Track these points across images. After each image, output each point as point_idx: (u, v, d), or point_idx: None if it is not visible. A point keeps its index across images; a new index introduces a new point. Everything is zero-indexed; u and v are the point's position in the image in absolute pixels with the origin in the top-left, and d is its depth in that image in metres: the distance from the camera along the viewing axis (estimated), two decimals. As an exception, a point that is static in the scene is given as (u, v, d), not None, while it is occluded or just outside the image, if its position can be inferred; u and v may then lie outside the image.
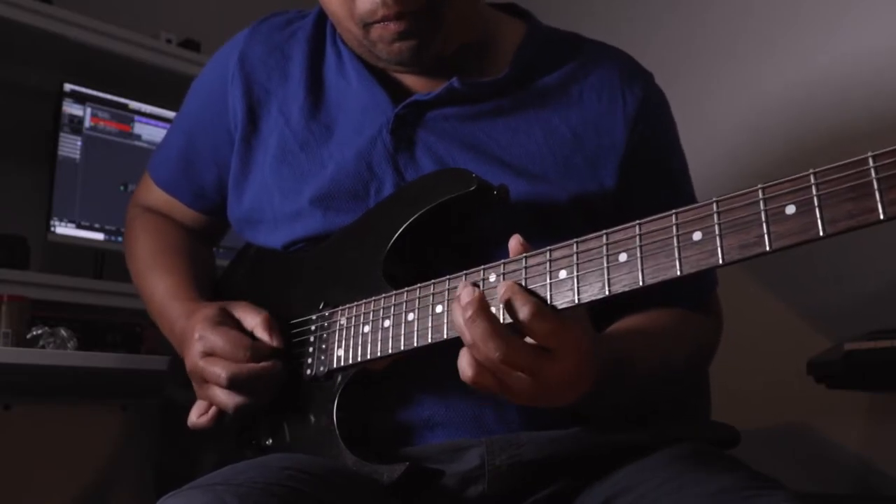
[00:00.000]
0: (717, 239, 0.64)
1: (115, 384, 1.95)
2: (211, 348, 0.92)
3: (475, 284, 0.75)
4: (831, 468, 1.84)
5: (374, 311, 0.88)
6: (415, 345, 0.83)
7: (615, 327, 0.92)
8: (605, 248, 0.71)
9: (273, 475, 0.77)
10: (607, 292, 0.70)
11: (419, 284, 0.84)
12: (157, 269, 1.12)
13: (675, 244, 0.66)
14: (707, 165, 1.64)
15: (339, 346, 0.91)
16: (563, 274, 0.73)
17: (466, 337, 0.71)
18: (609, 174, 0.97)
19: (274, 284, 1.04)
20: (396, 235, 0.91)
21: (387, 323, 0.86)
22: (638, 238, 0.69)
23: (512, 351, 0.70)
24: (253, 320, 0.95)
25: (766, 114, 2.03)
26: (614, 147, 0.98)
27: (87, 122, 2.15)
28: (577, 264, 0.72)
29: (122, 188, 2.19)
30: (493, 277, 0.77)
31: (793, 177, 0.61)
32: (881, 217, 0.56)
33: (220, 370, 0.90)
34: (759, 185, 0.62)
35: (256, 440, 0.98)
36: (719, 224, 0.64)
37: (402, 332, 0.84)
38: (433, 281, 0.83)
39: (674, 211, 0.67)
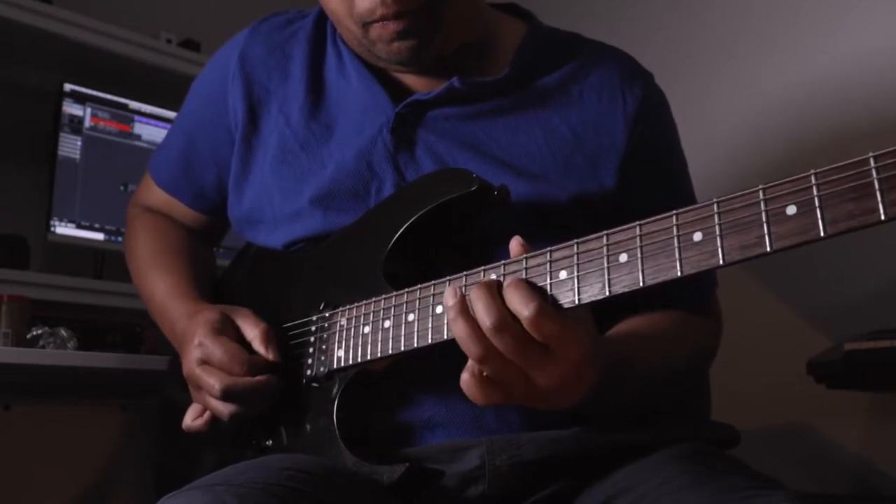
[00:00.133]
0: (718, 239, 0.64)
1: (115, 384, 1.95)
2: (208, 357, 0.92)
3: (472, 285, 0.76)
4: (831, 468, 1.84)
5: (374, 311, 0.88)
6: (415, 345, 0.83)
7: (615, 330, 0.92)
8: (605, 248, 0.71)
9: (273, 475, 0.77)
10: (607, 293, 0.70)
11: (419, 285, 0.84)
12: (158, 269, 1.12)
13: (676, 245, 0.66)
14: (707, 166, 1.64)
15: (340, 347, 0.91)
16: (563, 274, 0.73)
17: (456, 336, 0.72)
18: (609, 174, 0.97)
19: (274, 284, 1.04)
20: (397, 236, 0.91)
21: (387, 323, 0.86)
22: (638, 238, 0.69)
23: (495, 352, 0.71)
24: (252, 332, 0.95)
25: (767, 114, 2.03)
26: (614, 147, 0.98)
27: (87, 122, 2.15)
28: (578, 265, 0.72)
29: (122, 188, 2.19)
30: (493, 277, 0.77)
31: (793, 177, 0.61)
32: (882, 217, 0.56)
33: (214, 381, 0.90)
34: (760, 186, 0.62)
35: (256, 441, 0.98)
36: (720, 224, 0.64)
37: (403, 332, 0.84)
38: (433, 282, 0.83)
39: (674, 211, 0.67)
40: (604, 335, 0.89)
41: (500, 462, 0.86)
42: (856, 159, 0.58)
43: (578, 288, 0.71)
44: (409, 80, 1.03)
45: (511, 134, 0.98)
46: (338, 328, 0.92)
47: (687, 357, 0.98)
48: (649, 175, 1.00)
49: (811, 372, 1.51)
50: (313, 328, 0.95)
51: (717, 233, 0.64)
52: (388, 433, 0.91)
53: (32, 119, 2.19)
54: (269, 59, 1.07)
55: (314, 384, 0.94)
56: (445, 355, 0.78)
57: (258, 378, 0.91)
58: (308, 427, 0.93)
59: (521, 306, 0.70)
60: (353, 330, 0.90)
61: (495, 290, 0.72)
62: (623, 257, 0.69)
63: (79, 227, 2.11)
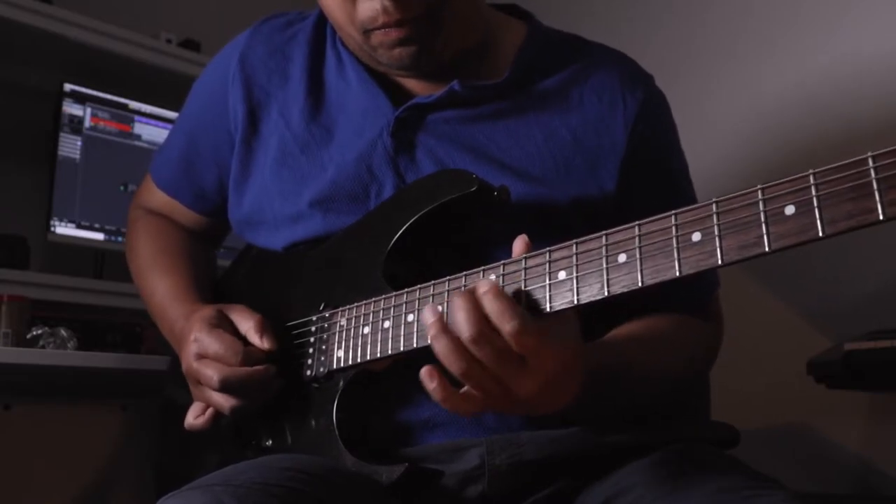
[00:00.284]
0: (717, 240, 0.64)
1: (115, 384, 1.96)
2: (205, 351, 0.92)
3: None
4: (831, 468, 1.84)
5: (373, 312, 0.88)
6: (414, 346, 0.83)
7: (614, 333, 0.92)
8: (604, 248, 0.71)
9: (273, 475, 0.77)
10: (606, 293, 0.70)
11: (419, 286, 0.84)
12: (157, 271, 1.12)
13: (675, 245, 0.66)
14: (707, 166, 1.64)
15: (339, 347, 0.91)
16: (562, 275, 0.73)
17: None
18: (609, 175, 0.97)
19: (274, 285, 1.04)
20: (397, 236, 0.91)
21: (386, 324, 0.86)
22: (637, 239, 0.69)
23: (476, 365, 0.71)
24: (246, 324, 0.95)
25: (766, 114, 2.03)
26: (615, 148, 0.98)
27: (87, 122, 2.15)
28: (577, 265, 0.72)
29: (122, 188, 2.19)
30: (492, 278, 0.77)
31: (792, 177, 0.61)
32: (881, 217, 0.56)
33: (212, 373, 0.90)
34: (759, 186, 0.62)
35: (256, 441, 0.98)
36: (719, 225, 0.64)
37: (402, 332, 0.84)
38: (433, 282, 0.83)
39: (673, 212, 0.67)
40: (601, 339, 0.89)
41: (499, 462, 0.86)
42: (854, 159, 0.58)
43: (577, 288, 0.71)
44: (409, 83, 1.03)
45: (511, 137, 0.98)
46: (337, 328, 0.92)
47: (686, 359, 0.98)
48: (650, 176, 1.00)
49: (811, 372, 1.51)
50: (313, 328, 0.96)
51: (716, 233, 0.64)
52: (387, 433, 0.91)
53: (32, 119, 2.19)
54: (270, 60, 1.07)
55: (314, 384, 0.94)
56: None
57: (255, 368, 0.91)
58: (308, 427, 0.93)
59: (502, 321, 0.70)
60: (352, 330, 0.90)
61: (474, 301, 0.71)
62: (622, 257, 0.69)
63: (79, 227, 2.11)
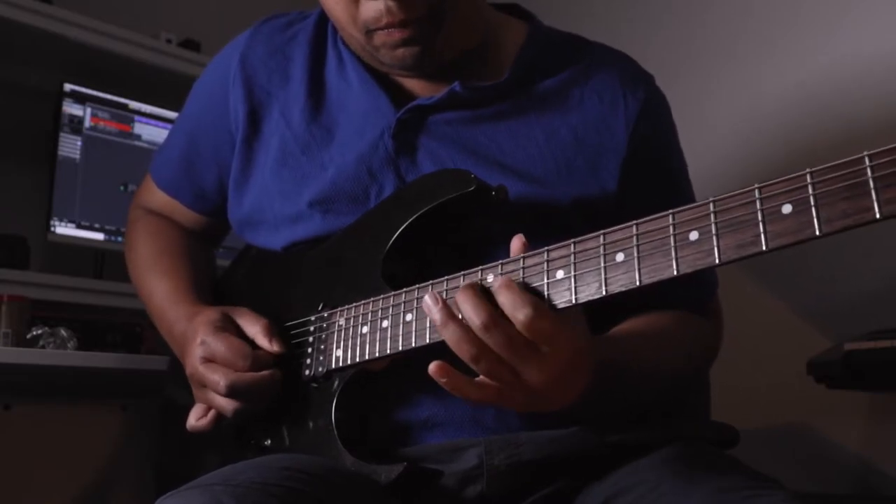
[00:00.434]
0: (714, 238, 0.64)
1: (115, 384, 1.96)
2: (212, 354, 0.92)
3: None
4: (831, 468, 1.84)
5: (372, 311, 0.88)
6: (413, 345, 0.83)
7: (614, 330, 0.92)
8: (602, 247, 0.71)
9: (272, 475, 0.77)
10: (604, 292, 0.70)
11: (417, 285, 0.84)
12: (156, 271, 1.12)
13: (672, 244, 0.66)
14: (707, 166, 1.64)
15: (338, 347, 0.91)
16: (560, 274, 0.73)
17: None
18: (611, 175, 0.97)
19: (274, 285, 1.04)
20: (395, 236, 0.91)
21: (385, 323, 0.86)
22: (635, 238, 0.69)
23: (487, 350, 0.72)
24: (253, 328, 0.95)
25: (766, 115, 2.03)
26: (616, 149, 0.98)
27: (87, 122, 2.15)
28: (575, 264, 0.72)
29: (122, 188, 2.19)
30: (490, 278, 0.77)
31: (789, 176, 0.61)
32: (877, 216, 0.57)
33: (219, 378, 0.90)
34: (756, 185, 0.62)
35: (256, 440, 0.98)
36: (716, 224, 0.64)
37: (401, 332, 0.84)
38: (431, 282, 0.83)
39: (671, 211, 0.67)
40: (603, 335, 0.89)
41: (498, 462, 0.86)
42: (850, 158, 0.58)
43: (575, 287, 0.72)
44: (410, 83, 1.03)
45: (512, 138, 0.98)
46: (336, 328, 0.92)
47: (687, 357, 0.98)
48: (650, 176, 1.00)
49: (811, 372, 1.51)
50: (312, 328, 0.96)
51: (714, 232, 0.64)
52: (386, 433, 0.91)
53: (32, 119, 2.19)
54: (270, 61, 1.07)
55: (313, 384, 0.94)
56: (444, 355, 0.78)
57: (263, 373, 0.92)
58: (307, 427, 0.93)
59: (515, 310, 0.71)
60: (351, 330, 0.90)
61: (479, 290, 0.73)
62: (620, 256, 0.69)
63: (79, 227, 2.11)
